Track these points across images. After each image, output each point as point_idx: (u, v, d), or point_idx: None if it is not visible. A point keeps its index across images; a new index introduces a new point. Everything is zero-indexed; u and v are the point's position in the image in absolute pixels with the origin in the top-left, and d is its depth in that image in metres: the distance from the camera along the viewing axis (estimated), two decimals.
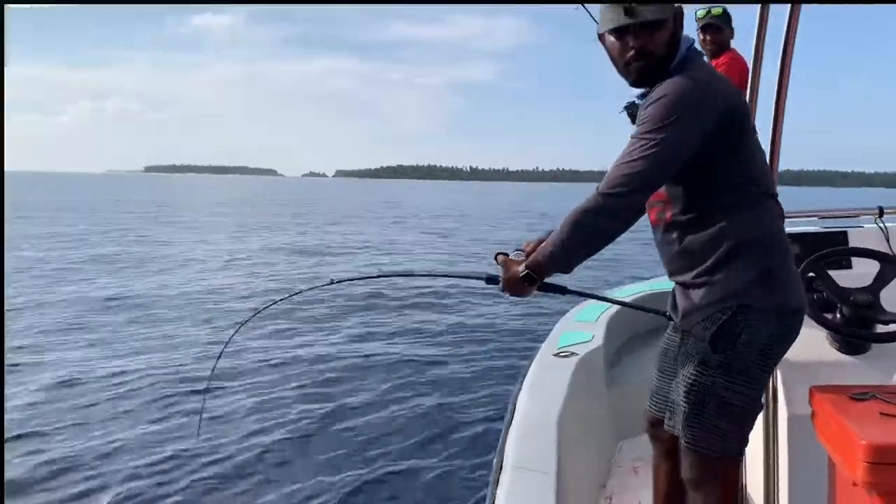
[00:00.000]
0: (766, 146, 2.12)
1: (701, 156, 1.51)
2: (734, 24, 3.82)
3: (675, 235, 1.64)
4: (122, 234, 19.19)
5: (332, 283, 2.19)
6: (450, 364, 6.32)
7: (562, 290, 1.83)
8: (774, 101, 2.09)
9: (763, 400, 1.98)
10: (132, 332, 7.43)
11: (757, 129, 1.67)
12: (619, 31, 1.57)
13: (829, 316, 2.03)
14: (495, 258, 1.75)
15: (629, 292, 3.83)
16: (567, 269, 1.61)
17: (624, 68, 1.61)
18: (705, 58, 3.96)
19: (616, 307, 3.44)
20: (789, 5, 1.93)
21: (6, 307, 8.09)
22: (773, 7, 1.95)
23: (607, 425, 2.89)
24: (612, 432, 2.93)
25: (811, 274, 2.10)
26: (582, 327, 3.13)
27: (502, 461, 1.93)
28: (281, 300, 2.30)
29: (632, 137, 1.52)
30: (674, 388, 1.67)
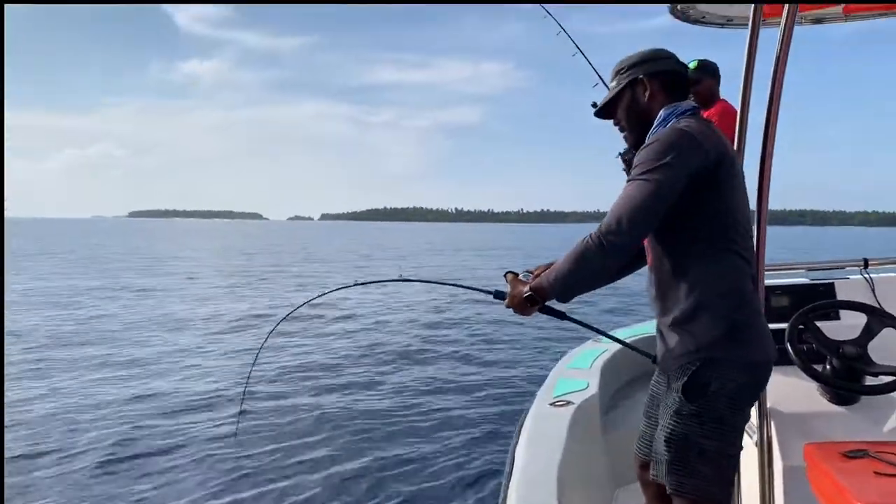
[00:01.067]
0: (752, 187, 2.19)
1: (682, 202, 1.59)
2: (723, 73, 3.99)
3: (655, 280, 1.74)
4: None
5: (355, 285, 2.34)
6: (449, 407, 6.31)
7: (560, 316, 1.88)
8: (763, 134, 2.14)
9: (757, 444, 2.03)
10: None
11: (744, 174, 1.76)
12: (601, 116, 1.88)
13: (819, 367, 2.07)
14: (505, 276, 1.85)
15: (629, 333, 3.87)
16: (564, 300, 1.70)
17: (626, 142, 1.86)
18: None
19: (609, 352, 3.49)
20: (779, 33, 1.97)
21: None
22: (761, 43, 2.02)
23: (604, 474, 2.90)
24: (608, 480, 2.93)
25: (801, 326, 2.15)
26: (577, 374, 3.16)
27: None
28: (306, 302, 2.43)
29: (628, 180, 1.63)
30: (656, 438, 1.73)
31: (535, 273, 1.83)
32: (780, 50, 1.93)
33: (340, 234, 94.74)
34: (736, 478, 1.74)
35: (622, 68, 1.82)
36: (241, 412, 5.15)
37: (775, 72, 1.94)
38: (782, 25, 1.91)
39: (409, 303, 14.49)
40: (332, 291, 2.48)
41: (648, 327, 3.98)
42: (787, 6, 1.90)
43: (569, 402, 2.73)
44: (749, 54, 2.02)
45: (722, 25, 2.72)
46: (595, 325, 2.14)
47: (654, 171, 1.56)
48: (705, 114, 3.91)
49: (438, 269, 26.08)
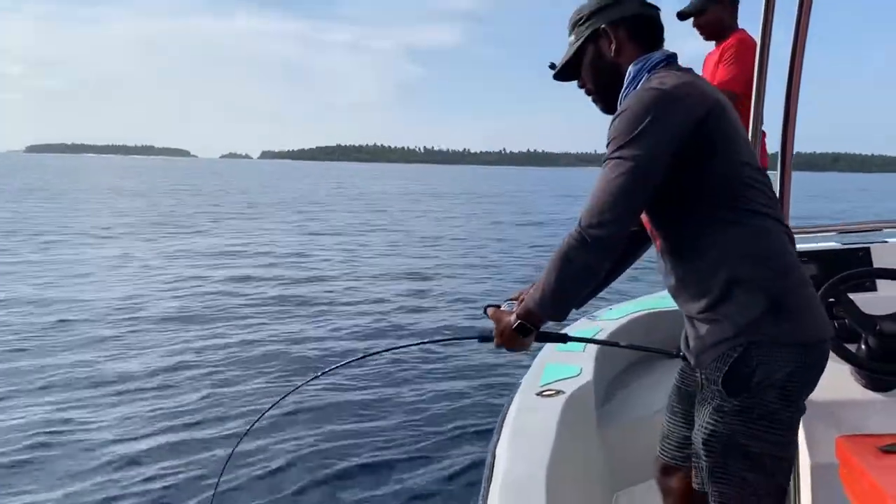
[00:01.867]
0: (777, 132, 2.15)
1: (676, 169, 1.55)
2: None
3: (669, 266, 1.68)
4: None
5: (323, 374, 2.39)
6: (416, 401, 6.31)
7: (562, 339, 1.88)
8: (786, 82, 2.09)
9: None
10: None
11: (764, 132, 1.71)
12: (562, 78, 1.85)
13: (853, 348, 2.04)
14: (484, 311, 1.81)
15: (620, 313, 3.86)
16: (560, 316, 1.66)
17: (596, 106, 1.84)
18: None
19: (605, 332, 3.47)
20: None
21: None
22: None
23: (601, 475, 2.91)
24: (606, 483, 2.94)
25: (831, 299, 2.12)
26: (567, 358, 3.12)
27: None
28: (317, 376, 2.50)
29: (603, 160, 1.59)
30: (693, 440, 1.69)
31: (518, 298, 1.80)
32: None
33: (281, 175, 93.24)
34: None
35: (580, 18, 1.76)
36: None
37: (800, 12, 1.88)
38: None
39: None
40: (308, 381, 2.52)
41: (638, 305, 4.00)
42: None
43: (559, 392, 2.71)
44: None
45: None
46: (604, 339, 2.11)
47: (629, 146, 1.52)
48: (719, 47, 3.86)
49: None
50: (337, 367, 2.37)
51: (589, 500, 2.69)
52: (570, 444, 2.46)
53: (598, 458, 2.89)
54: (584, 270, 1.60)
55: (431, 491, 4.47)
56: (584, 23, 1.75)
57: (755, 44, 3.90)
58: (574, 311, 1.73)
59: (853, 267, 2.33)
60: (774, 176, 2.06)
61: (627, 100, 1.60)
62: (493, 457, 2.31)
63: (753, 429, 1.55)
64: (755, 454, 1.56)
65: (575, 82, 1.85)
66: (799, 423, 1.62)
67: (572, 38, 1.79)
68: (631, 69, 1.68)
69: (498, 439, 2.44)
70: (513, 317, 1.70)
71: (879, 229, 2.71)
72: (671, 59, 1.68)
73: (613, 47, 1.71)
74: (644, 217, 1.73)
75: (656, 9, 1.75)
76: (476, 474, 4.38)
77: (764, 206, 1.60)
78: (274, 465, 5.02)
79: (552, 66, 1.86)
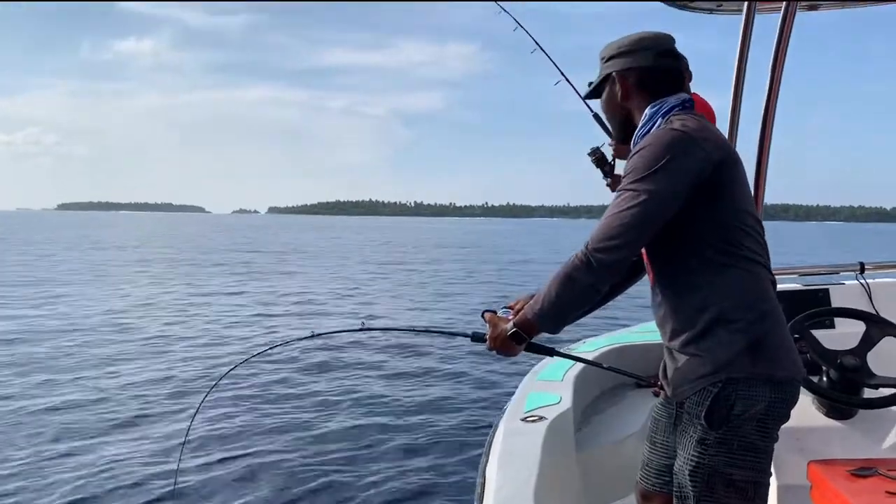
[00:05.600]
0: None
1: (685, 210, 1.52)
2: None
3: (660, 298, 1.65)
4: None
5: (313, 336, 2.21)
6: (413, 426, 6.18)
7: (549, 352, 1.84)
8: (760, 126, 2.10)
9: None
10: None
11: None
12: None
13: (815, 379, 2.03)
14: (482, 315, 1.77)
15: (592, 346, 3.85)
16: (556, 329, 1.62)
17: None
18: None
19: (580, 365, 3.45)
20: (779, 18, 1.94)
21: None
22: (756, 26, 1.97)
23: (578, 494, 2.85)
24: (582, 501, 2.88)
25: (796, 335, 2.10)
26: (547, 387, 3.09)
27: None
28: (258, 354, 2.31)
29: (618, 190, 1.55)
30: (678, 471, 1.65)
31: (516, 307, 1.77)
32: (782, 33, 1.89)
33: (287, 228, 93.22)
34: None
35: (602, 58, 1.75)
36: (179, 470, 4.74)
37: (775, 59, 1.90)
38: (784, 9, 1.87)
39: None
40: (285, 343, 2.38)
41: (609, 339, 3.98)
42: None
43: (541, 418, 2.67)
44: (743, 41, 1.98)
45: (711, 11, 2.68)
46: (588, 358, 2.09)
47: (647, 180, 1.49)
48: None
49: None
50: (336, 331, 2.34)
51: None
52: (552, 466, 2.41)
53: (577, 479, 2.84)
54: (585, 290, 1.55)
55: None
56: (604, 62, 1.73)
57: (707, 105, 3.94)
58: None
59: (814, 306, 2.33)
60: None
61: (648, 137, 1.56)
62: (484, 478, 2.26)
63: (735, 458, 1.53)
64: (738, 481, 1.53)
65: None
66: (773, 451, 1.60)
67: (599, 70, 1.77)
68: (647, 111, 1.64)
69: (487, 461, 2.39)
70: (509, 324, 1.66)
71: (837, 272, 2.72)
72: (686, 104, 1.64)
73: (620, 93, 1.69)
74: (642, 249, 1.69)
75: (676, 59, 1.68)
76: (466, 492, 4.30)
77: (757, 254, 1.58)
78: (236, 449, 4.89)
79: (589, 85, 1.83)
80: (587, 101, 1.89)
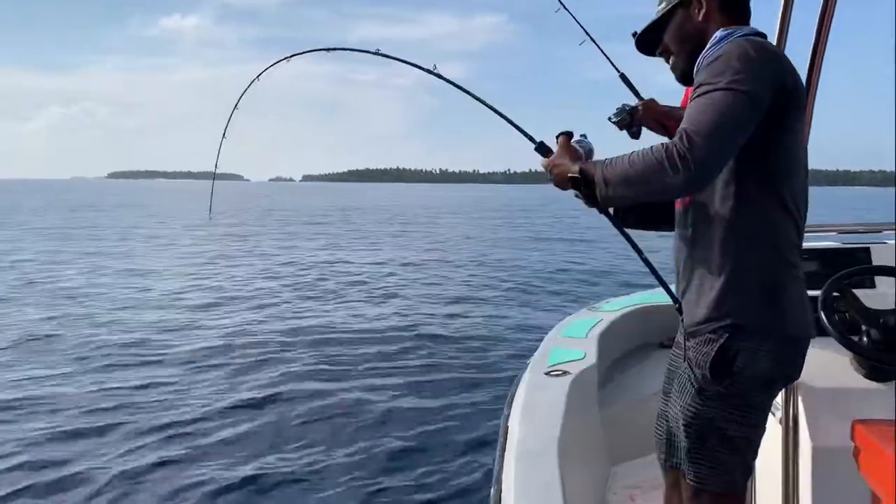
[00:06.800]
0: None
1: (757, 127, 1.34)
2: None
3: (690, 220, 1.51)
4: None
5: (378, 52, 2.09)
6: (434, 373, 6.19)
7: (598, 206, 1.50)
8: (805, 81, 1.95)
9: (781, 422, 1.90)
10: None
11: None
12: (643, 49, 1.67)
13: (855, 338, 1.91)
14: (557, 137, 1.56)
15: (617, 306, 3.76)
16: (608, 204, 1.44)
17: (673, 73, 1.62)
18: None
19: (605, 322, 3.37)
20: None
21: None
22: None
23: (601, 450, 2.79)
24: (605, 457, 2.82)
25: (836, 293, 1.98)
26: (572, 343, 3.03)
27: (500, 493, 1.84)
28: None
29: (697, 95, 1.34)
30: (671, 418, 1.58)
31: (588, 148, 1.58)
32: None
33: (320, 195, 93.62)
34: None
35: None
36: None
37: (822, 16, 1.74)
38: None
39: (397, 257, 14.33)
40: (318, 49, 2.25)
41: (638, 298, 3.88)
42: None
43: (565, 372, 2.60)
44: (784, 7, 1.81)
45: None
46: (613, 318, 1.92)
47: (738, 81, 1.28)
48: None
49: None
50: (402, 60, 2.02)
51: (591, 473, 2.58)
52: (575, 420, 2.35)
53: (599, 435, 2.78)
54: (661, 189, 1.31)
55: (444, 458, 4.34)
56: None
57: None
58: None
59: (854, 265, 2.19)
60: None
61: (726, 46, 1.39)
62: (507, 429, 2.21)
63: (734, 414, 1.44)
64: (731, 437, 1.45)
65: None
66: (770, 409, 1.51)
67: (662, 5, 1.59)
68: (719, 33, 1.49)
69: (509, 413, 2.33)
70: (576, 166, 1.44)
71: (879, 230, 2.56)
72: (760, 34, 1.50)
73: (703, 13, 1.53)
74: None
75: None
76: (487, 443, 4.28)
77: (795, 196, 1.44)
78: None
79: (634, 34, 1.66)
80: (642, 37, 1.63)
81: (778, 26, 1.83)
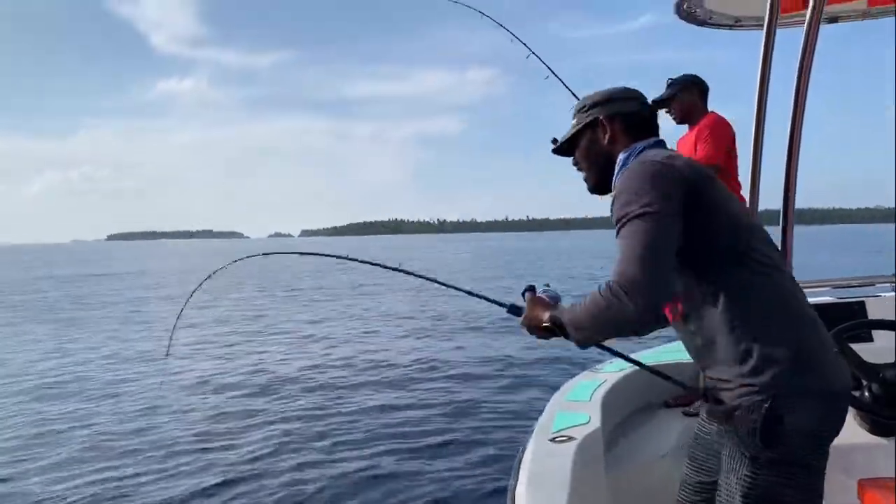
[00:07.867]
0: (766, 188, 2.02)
1: (684, 232, 1.45)
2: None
3: (692, 328, 1.56)
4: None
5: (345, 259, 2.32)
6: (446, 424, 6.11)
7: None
8: (788, 136, 2.00)
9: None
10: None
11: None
12: (561, 154, 1.79)
13: (856, 394, 1.91)
14: (523, 294, 1.72)
15: (619, 366, 3.73)
16: (587, 345, 1.56)
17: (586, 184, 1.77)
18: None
19: (608, 383, 3.34)
20: (803, 31, 1.86)
21: None
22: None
23: None
24: None
25: (834, 350, 2.02)
26: (576, 407, 3.00)
27: None
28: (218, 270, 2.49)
29: (618, 225, 1.46)
30: (724, 490, 1.54)
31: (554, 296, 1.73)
32: (807, 44, 1.81)
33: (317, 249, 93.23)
34: None
35: (583, 106, 1.73)
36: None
37: (801, 69, 1.83)
38: (808, 18, 1.79)
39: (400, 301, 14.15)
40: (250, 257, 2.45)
41: (675, 351, 3.83)
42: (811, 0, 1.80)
43: (570, 438, 2.59)
44: (765, 53, 1.90)
45: (730, 27, 2.58)
46: (628, 356, 1.99)
47: (647, 204, 1.41)
48: (694, 129, 3.69)
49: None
50: (370, 263, 2.26)
51: None
52: (583, 487, 2.33)
53: (607, 500, 2.74)
54: (625, 322, 1.41)
55: None
56: (586, 111, 1.72)
57: (727, 122, 3.82)
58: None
59: (850, 320, 2.19)
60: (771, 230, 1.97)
61: (625, 174, 1.53)
62: (514, 498, 2.20)
63: (790, 479, 1.44)
64: (790, 502, 1.44)
65: (570, 159, 1.79)
66: (825, 473, 1.49)
67: (574, 121, 1.75)
68: (621, 157, 1.64)
69: (516, 483, 2.32)
70: (546, 315, 1.61)
71: (872, 284, 2.57)
72: (658, 143, 1.64)
73: (608, 137, 1.67)
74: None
75: (655, 109, 1.71)
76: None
77: (768, 258, 1.50)
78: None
79: (554, 141, 1.80)
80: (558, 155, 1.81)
81: (759, 71, 1.92)
